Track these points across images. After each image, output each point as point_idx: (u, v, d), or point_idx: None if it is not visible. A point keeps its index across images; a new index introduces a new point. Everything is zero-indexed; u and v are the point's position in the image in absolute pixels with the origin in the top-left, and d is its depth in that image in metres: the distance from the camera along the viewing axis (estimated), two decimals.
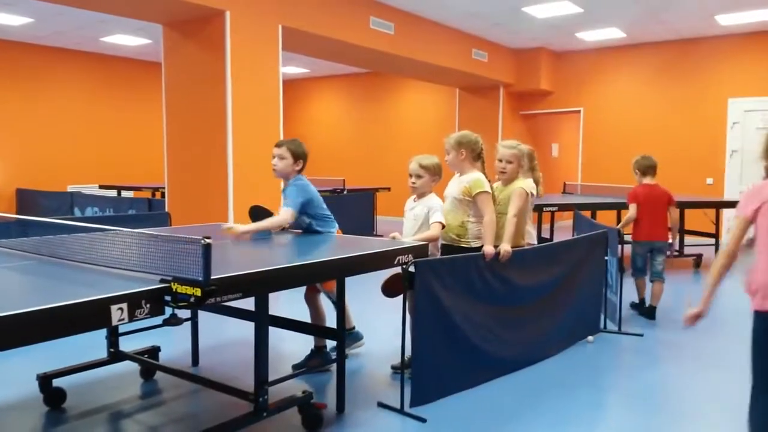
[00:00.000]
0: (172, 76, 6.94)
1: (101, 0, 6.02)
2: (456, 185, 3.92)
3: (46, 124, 11.16)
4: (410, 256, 3.21)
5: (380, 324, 4.62)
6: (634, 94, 11.07)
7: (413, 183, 3.86)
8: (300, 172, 3.86)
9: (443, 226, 3.76)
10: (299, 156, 3.81)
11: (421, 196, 3.88)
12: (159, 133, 7.54)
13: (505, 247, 3.73)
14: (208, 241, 2.10)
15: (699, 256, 7.91)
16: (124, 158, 12.15)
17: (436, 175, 3.88)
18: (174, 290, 2.12)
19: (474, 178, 3.83)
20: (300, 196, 3.73)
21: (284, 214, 3.70)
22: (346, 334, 4.02)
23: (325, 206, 3.90)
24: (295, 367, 3.90)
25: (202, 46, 6.58)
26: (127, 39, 10.44)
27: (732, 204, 8.42)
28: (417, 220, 3.82)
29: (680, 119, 10.61)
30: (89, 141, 11.74)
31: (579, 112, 11.71)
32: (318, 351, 4.01)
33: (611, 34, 10.08)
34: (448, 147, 3.93)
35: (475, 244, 3.83)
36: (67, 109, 11.44)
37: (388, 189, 10.93)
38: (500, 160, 4.10)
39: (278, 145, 3.85)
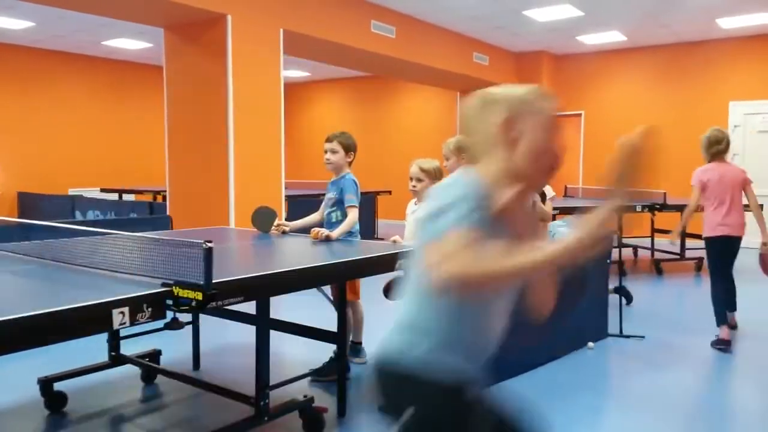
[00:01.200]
0: (174, 80, 6.95)
1: (102, 4, 6.03)
2: None
3: (48, 128, 11.17)
4: None
5: (381, 328, 4.62)
6: (634, 97, 11.07)
7: (413, 186, 3.86)
8: (351, 164, 3.99)
9: None
10: (350, 148, 3.95)
11: (422, 199, 3.88)
12: (160, 137, 7.54)
13: None
14: (209, 245, 2.10)
15: (700, 260, 7.89)
16: (125, 161, 12.17)
17: (436, 178, 3.88)
18: (175, 294, 2.12)
19: None
20: (358, 193, 3.88)
21: (354, 213, 3.81)
22: (351, 348, 4.00)
23: None
24: (314, 372, 3.82)
25: (204, 49, 6.59)
26: (129, 42, 10.46)
27: None
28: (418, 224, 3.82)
29: (681, 122, 10.60)
30: (90, 144, 11.76)
31: (580, 115, 11.70)
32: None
33: (612, 37, 10.09)
34: (447, 152, 3.94)
35: None
36: (68, 112, 11.46)
37: (389, 192, 10.92)
38: None
39: (329, 140, 3.95)
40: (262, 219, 3.93)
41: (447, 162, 3.96)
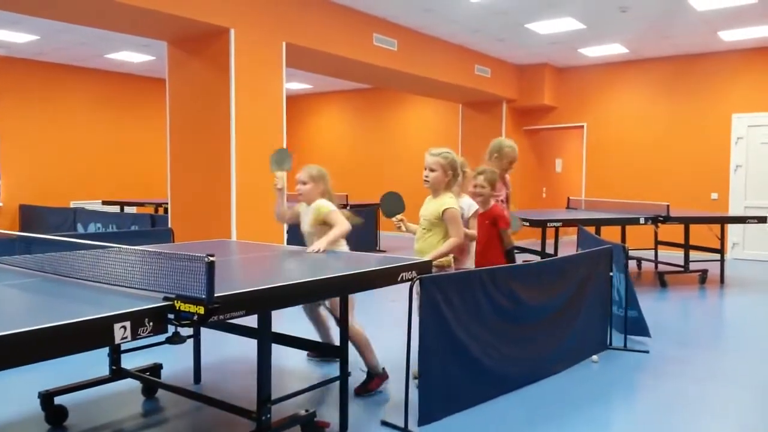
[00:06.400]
0: (177, 93, 6.97)
1: (106, 17, 6.06)
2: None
3: (50, 140, 11.21)
4: (414, 272, 3.19)
5: (384, 340, 4.58)
6: (637, 109, 11.08)
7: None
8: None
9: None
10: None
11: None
12: (162, 149, 7.56)
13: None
14: (211, 258, 2.09)
15: (704, 272, 7.86)
16: (127, 174, 12.19)
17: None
18: (177, 308, 2.10)
19: (318, 203, 3.85)
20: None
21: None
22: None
23: None
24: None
25: (207, 63, 6.62)
26: (132, 56, 10.51)
27: (738, 219, 8.38)
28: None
29: (684, 135, 10.62)
30: (92, 157, 11.79)
31: (582, 127, 11.72)
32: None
33: (614, 50, 10.12)
34: (307, 177, 3.95)
35: None
36: (70, 124, 11.50)
37: None
38: (425, 168, 3.83)
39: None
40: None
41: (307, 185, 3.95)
